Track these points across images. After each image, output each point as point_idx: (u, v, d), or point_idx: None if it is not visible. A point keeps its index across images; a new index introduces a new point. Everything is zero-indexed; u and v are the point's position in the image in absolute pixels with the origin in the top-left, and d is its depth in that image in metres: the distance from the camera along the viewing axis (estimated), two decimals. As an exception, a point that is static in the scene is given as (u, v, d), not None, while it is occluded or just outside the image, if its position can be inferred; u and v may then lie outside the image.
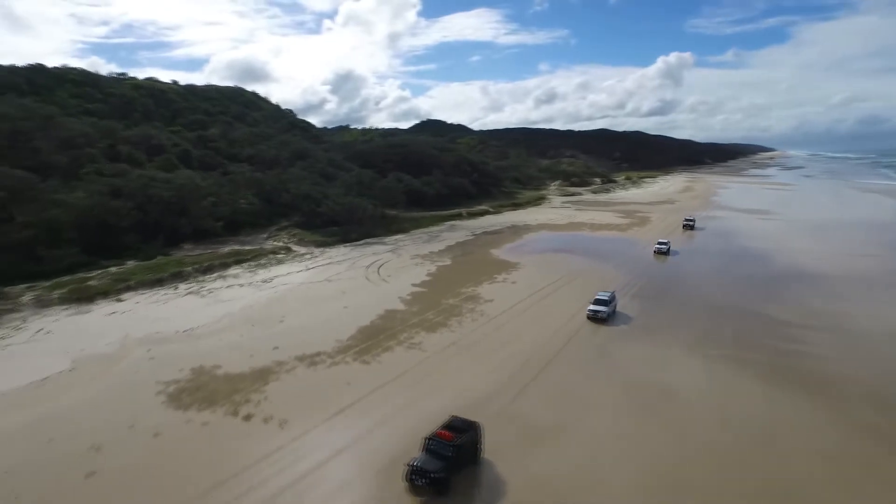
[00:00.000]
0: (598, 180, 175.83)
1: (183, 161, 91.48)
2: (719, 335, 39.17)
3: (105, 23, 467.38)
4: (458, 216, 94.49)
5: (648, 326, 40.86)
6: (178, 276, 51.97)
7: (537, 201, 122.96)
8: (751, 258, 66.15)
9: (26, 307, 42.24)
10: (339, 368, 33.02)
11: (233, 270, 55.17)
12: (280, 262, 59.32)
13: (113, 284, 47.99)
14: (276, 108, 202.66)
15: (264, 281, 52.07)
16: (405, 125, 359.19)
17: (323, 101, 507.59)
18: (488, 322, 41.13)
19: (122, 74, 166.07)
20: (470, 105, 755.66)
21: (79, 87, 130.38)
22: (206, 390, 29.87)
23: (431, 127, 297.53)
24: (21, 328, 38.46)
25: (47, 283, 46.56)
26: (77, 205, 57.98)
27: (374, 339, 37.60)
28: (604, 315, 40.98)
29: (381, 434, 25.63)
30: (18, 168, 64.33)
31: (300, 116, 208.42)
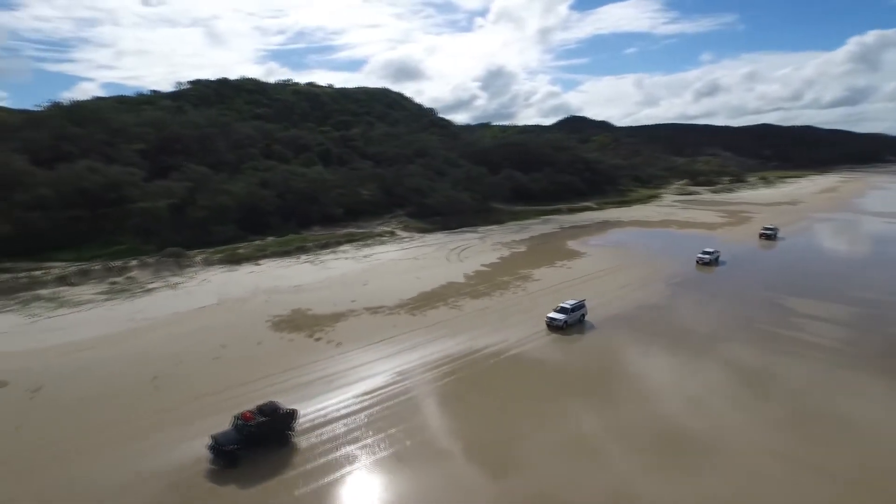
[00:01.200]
0: (726, 179, 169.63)
1: (324, 158, 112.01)
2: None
3: (282, 32, 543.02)
4: (558, 211, 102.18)
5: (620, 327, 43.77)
6: (301, 250, 69.02)
7: (648, 199, 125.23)
8: (808, 278, 59.61)
9: (198, 265, 61.67)
10: (391, 317, 45.40)
11: (343, 247, 70.96)
12: (382, 242, 74.03)
13: (254, 253, 66.31)
14: (419, 107, 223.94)
15: (365, 256, 66.92)
16: (551, 121, 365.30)
17: (473, 98, 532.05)
18: (525, 296, 50.48)
19: (287, 81, 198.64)
20: (622, 100, 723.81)
21: (251, 94, 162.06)
22: (297, 323, 44.22)
23: (573, 124, 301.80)
24: (193, 277, 57.33)
25: (212, 250, 66.18)
26: (237, 193, 78.63)
27: (427, 301, 49.42)
28: (559, 323, 41.45)
29: (399, 356, 37.31)
30: (203, 165, 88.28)
31: (450, 113, 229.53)
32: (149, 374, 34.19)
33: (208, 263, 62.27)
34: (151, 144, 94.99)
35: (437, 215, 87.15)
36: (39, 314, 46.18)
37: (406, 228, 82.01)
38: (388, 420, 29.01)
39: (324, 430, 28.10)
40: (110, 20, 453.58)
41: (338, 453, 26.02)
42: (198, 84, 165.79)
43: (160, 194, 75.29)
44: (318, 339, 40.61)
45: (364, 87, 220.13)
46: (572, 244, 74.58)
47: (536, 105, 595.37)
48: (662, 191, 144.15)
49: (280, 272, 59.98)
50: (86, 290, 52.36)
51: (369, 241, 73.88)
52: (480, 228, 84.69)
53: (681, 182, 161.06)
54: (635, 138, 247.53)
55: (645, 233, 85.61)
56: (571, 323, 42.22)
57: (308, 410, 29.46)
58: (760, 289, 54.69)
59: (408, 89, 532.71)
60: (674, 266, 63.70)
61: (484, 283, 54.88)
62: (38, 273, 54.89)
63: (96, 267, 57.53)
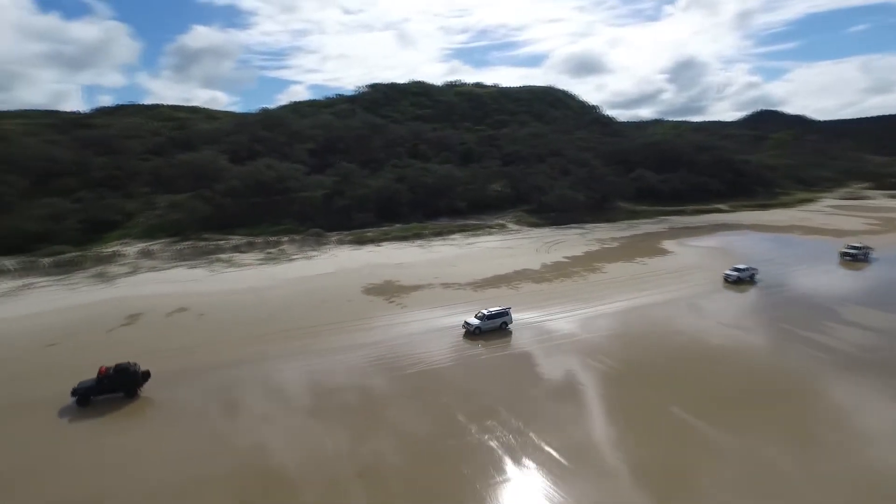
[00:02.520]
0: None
1: (466, 156, 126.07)
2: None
3: (465, 31, 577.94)
4: (681, 212, 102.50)
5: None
6: (417, 236, 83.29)
7: (797, 203, 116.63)
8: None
9: (332, 243, 79.33)
10: (458, 291, 56.53)
11: (454, 236, 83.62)
12: (490, 233, 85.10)
13: (379, 236, 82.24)
14: (582, 104, 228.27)
15: (468, 244, 78.79)
16: (743, 114, 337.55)
17: (658, 92, 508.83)
18: (583, 285, 57.56)
19: (454, 82, 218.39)
20: (840, 88, 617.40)
21: (416, 97, 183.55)
22: (382, 289, 57.70)
23: (761, 119, 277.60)
24: (325, 252, 74.73)
25: (346, 233, 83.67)
26: (375, 187, 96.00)
27: (494, 281, 59.49)
28: (471, 329, 42.82)
29: (448, 318, 48.42)
30: (357, 161, 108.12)
31: (633, 108, 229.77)
32: (267, 312, 50.22)
33: (340, 243, 79.62)
34: (319, 144, 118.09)
35: (552, 211, 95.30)
36: (217, 270, 66.66)
37: (519, 222, 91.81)
38: (390, 356, 40.38)
39: (343, 355, 40.66)
40: (318, 30, 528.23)
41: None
42: (375, 87, 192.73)
43: (316, 186, 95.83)
44: (391, 302, 53.54)
45: (529, 87, 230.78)
46: (668, 244, 77.46)
47: (731, 98, 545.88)
48: (825, 194, 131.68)
49: (392, 252, 74.69)
50: (249, 257, 72.57)
51: (479, 232, 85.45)
52: (588, 225, 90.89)
53: (858, 185, 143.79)
54: (842, 134, 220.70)
55: (758, 237, 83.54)
56: (486, 330, 43.06)
57: (342, 343, 42.25)
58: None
59: (588, 84, 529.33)
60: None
61: (554, 271, 62.99)
62: (222, 243, 76.97)
63: (260, 241, 78.19)
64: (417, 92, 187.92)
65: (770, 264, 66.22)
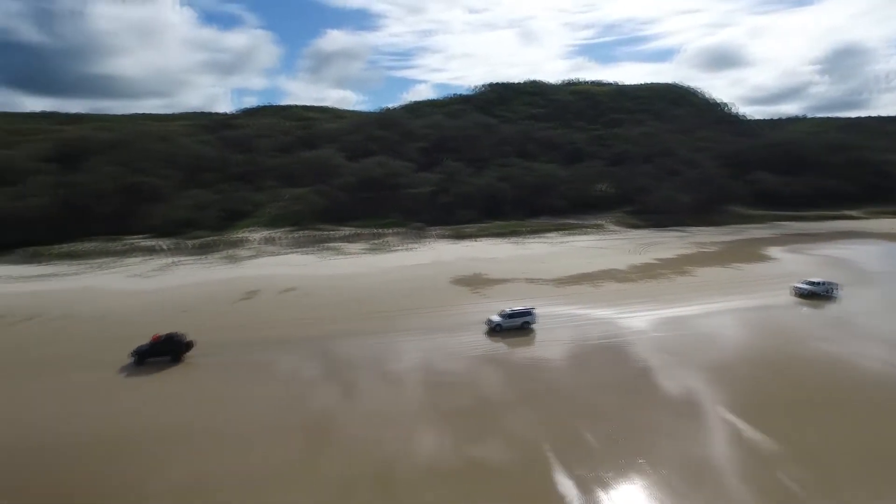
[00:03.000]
0: None
1: (574, 156, 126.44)
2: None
3: (590, 26, 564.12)
4: (801, 218, 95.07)
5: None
6: (514, 233, 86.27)
7: None
8: None
9: (432, 237, 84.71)
10: (540, 286, 58.87)
11: (550, 234, 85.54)
12: (586, 233, 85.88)
13: (477, 232, 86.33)
14: (708, 102, 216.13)
15: (561, 242, 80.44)
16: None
17: (806, 84, 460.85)
18: (668, 286, 57.23)
19: (571, 81, 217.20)
20: None
21: (530, 96, 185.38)
22: (469, 281, 61.58)
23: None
24: (425, 245, 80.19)
25: (447, 227, 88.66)
26: (479, 185, 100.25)
27: (578, 279, 61.03)
28: (492, 325, 43.92)
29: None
30: (466, 160, 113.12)
31: (775, 103, 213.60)
32: (358, 297, 56.10)
33: (440, 237, 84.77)
34: (431, 143, 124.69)
35: (654, 213, 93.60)
36: (325, 257, 74.57)
37: (618, 223, 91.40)
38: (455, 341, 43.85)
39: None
40: (443, 29, 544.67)
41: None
42: (491, 87, 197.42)
43: (423, 183, 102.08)
44: (475, 293, 57.27)
45: (650, 84, 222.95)
46: (773, 250, 73.15)
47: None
48: None
49: (486, 248, 78.40)
50: (356, 247, 79.96)
51: (575, 232, 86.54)
52: (690, 228, 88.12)
53: None
54: None
55: (886, 247, 75.72)
56: (506, 328, 43.95)
57: (420, 325, 46.51)
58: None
59: (724, 79, 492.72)
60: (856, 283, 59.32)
61: (640, 272, 63.01)
62: (333, 233, 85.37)
63: (366, 232, 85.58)
64: (532, 91, 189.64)
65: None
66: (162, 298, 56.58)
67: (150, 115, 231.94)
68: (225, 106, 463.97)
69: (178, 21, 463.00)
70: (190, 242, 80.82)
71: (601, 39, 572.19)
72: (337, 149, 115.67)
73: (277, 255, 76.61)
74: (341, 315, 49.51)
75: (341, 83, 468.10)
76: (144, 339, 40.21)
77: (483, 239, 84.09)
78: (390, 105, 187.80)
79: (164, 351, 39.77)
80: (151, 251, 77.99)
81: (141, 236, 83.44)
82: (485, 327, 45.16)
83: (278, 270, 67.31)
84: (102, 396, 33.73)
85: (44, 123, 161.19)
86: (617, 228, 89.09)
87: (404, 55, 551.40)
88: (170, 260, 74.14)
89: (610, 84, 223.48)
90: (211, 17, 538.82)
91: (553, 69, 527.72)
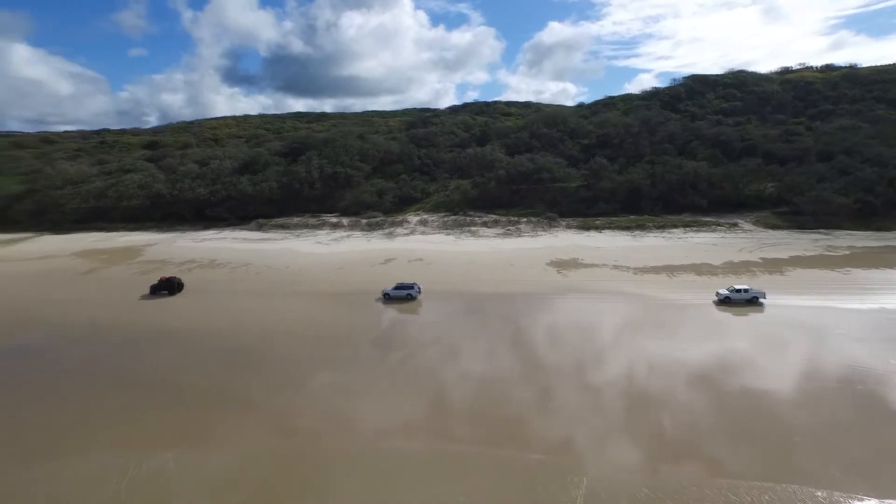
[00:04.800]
0: None
1: (743, 152, 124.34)
2: None
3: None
4: None
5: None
6: (640, 227, 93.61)
7: None
8: None
9: (561, 226, 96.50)
10: (619, 272, 68.20)
11: (673, 230, 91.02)
12: (713, 231, 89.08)
13: (604, 225, 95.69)
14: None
15: (679, 238, 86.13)
16: None
17: None
18: (747, 279, 62.39)
19: (787, 69, 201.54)
20: None
21: (725, 88, 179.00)
22: (563, 264, 73.26)
23: None
24: (550, 233, 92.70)
25: (576, 219, 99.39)
26: (620, 181, 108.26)
27: (660, 270, 68.66)
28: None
29: (594, 295, 62.33)
30: (623, 156, 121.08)
31: None
32: (465, 268, 72.16)
33: (568, 227, 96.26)
34: (592, 140, 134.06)
35: (806, 215, 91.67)
36: (460, 238, 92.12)
37: (757, 223, 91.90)
38: (509, 303, 56.87)
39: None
40: (672, 14, 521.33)
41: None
42: (688, 79, 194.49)
43: (570, 178, 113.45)
44: (559, 273, 69.33)
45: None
46: (897, 258, 69.97)
47: None
48: None
49: (601, 238, 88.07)
50: (490, 231, 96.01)
51: (703, 229, 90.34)
52: (838, 233, 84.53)
53: None
54: None
55: None
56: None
57: (495, 291, 60.59)
58: None
59: None
60: None
61: (730, 269, 67.63)
62: (476, 219, 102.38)
63: (503, 219, 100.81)
64: (728, 84, 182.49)
65: None
66: (328, 259, 79.78)
67: (377, 112, 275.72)
68: (449, 100, 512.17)
69: (412, 24, 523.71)
70: (363, 220, 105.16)
71: (878, 6, 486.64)
72: (503, 145, 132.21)
73: (425, 234, 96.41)
74: (446, 278, 66.39)
75: (560, 75, 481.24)
76: (305, 284, 62.20)
77: (606, 231, 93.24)
78: (611, 94, 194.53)
79: (166, 288, 63.74)
80: (335, 226, 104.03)
81: (332, 215, 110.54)
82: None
83: (417, 245, 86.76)
84: (280, 309, 56.24)
85: (296, 122, 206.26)
86: (751, 228, 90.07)
87: (627, 44, 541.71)
88: (346, 233, 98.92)
89: (841, 68, 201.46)
90: (440, 18, 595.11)
91: (804, 48, 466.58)
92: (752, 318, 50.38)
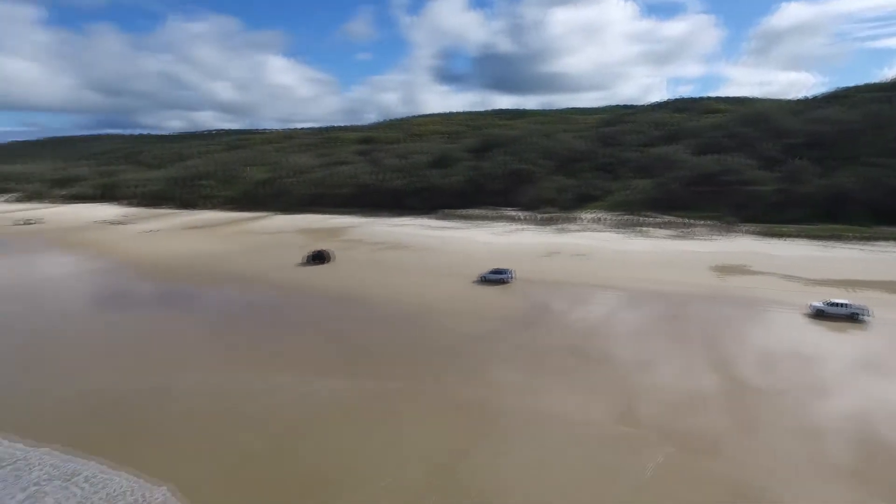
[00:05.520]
0: None
1: None
2: None
3: None
4: None
5: None
6: (835, 237, 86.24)
7: None
8: None
9: (739, 233, 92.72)
10: (787, 283, 65.54)
11: (879, 242, 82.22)
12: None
13: (792, 233, 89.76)
14: None
15: (882, 251, 78.21)
16: None
17: None
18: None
19: None
20: None
21: None
22: (727, 270, 72.05)
23: None
24: (725, 238, 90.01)
25: (759, 226, 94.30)
26: (821, 185, 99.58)
27: (839, 283, 64.43)
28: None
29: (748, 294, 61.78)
30: (834, 158, 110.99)
31: None
32: (626, 265, 74.96)
33: (748, 232, 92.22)
34: (799, 140, 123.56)
35: None
36: (628, 237, 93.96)
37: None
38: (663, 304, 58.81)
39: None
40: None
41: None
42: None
43: (761, 181, 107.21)
44: (718, 277, 68.82)
45: None
46: None
47: None
48: None
49: (780, 246, 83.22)
50: (661, 232, 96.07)
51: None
52: None
53: None
54: None
55: None
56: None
57: (652, 289, 63.08)
58: None
59: None
60: None
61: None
62: (649, 220, 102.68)
63: (679, 221, 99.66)
64: None
65: None
66: (497, 248, 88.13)
67: (578, 109, 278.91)
68: (658, 95, 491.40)
69: (620, 17, 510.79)
70: (539, 215, 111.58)
71: None
72: (693, 145, 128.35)
73: (596, 231, 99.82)
74: (601, 273, 70.74)
75: (794, 63, 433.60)
76: (470, 268, 71.30)
77: (791, 239, 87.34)
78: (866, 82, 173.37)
79: (319, 258, 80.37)
80: (512, 219, 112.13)
81: (511, 209, 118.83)
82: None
83: (583, 241, 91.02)
84: (443, 287, 66.32)
85: (496, 119, 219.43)
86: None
87: (888, 19, 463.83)
88: (520, 226, 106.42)
89: None
90: (652, 8, 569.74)
91: None
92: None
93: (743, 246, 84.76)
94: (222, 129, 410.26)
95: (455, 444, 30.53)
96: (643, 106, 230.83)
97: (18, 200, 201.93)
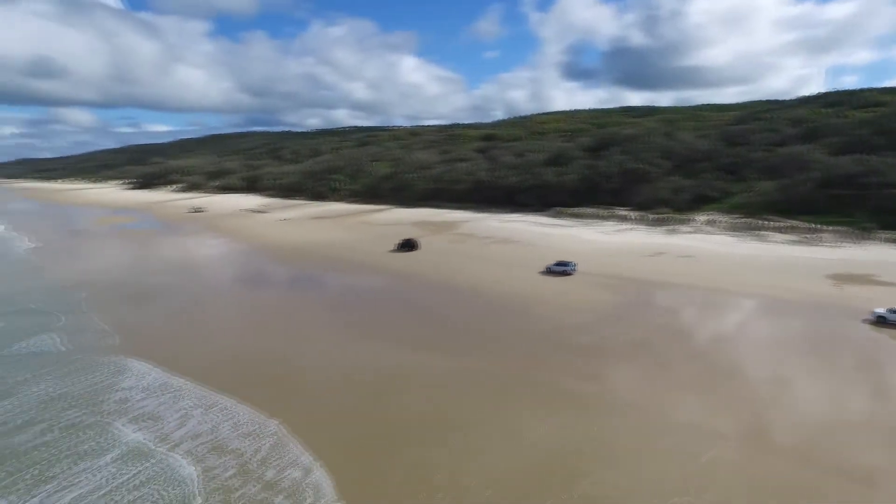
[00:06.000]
0: None
1: None
2: None
3: None
4: None
5: None
6: None
7: None
8: None
9: (876, 240, 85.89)
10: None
11: None
12: None
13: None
14: None
15: None
16: None
17: None
18: None
19: None
20: None
21: None
22: (848, 279, 67.99)
23: None
24: (856, 246, 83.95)
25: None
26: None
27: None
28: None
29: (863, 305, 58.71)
30: None
31: None
32: (733, 270, 73.21)
33: (886, 240, 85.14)
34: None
35: None
36: (741, 240, 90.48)
37: None
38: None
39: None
40: None
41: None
42: None
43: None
44: (834, 285, 65.21)
45: None
46: None
47: None
48: None
49: None
50: (781, 237, 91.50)
51: None
52: None
53: None
54: None
55: None
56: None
57: (729, 289, 61.81)
58: None
59: None
60: None
61: None
62: (770, 223, 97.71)
63: (803, 227, 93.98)
64: None
65: None
66: (602, 247, 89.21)
67: (714, 105, 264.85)
68: (814, 88, 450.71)
69: (771, 1, 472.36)
70: (651, 216, 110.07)
71: None
72: (833, 143, 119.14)
73: (709, 234, 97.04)
74: (703, 276, 70.26)
75: None
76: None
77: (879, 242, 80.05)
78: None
79: (408, 246, 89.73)
80: (623, 219, 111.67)
81: (623, 208, 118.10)
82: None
83: (692, 243, 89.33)
84: (537, 281, 69.68)
85: (622, 117, 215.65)
86: None
87: None
88: (631, 226, 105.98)
89: None
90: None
91: None
92: None
93: (875, 255, 78.83)
94: (355, 127, 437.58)
95: (567, 442, 31.26)
96: (789, 101, 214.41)
97: (182, 190, 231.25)
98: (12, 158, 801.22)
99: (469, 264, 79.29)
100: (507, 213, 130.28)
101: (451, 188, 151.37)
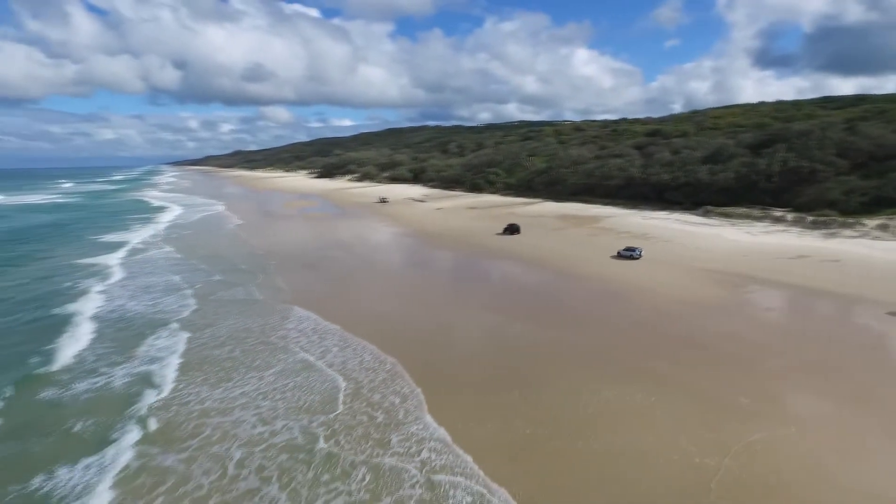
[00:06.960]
0: None
1: None
2: None
3: None
4: None
5: None
6: None
7: None
8: None
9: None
10: None
11: None
12: None
13: None
14: None
15: None
16: None
17: None
18: None
19: None
20: None
21: None
22: None
23: None
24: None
25: None
26: None
27: None
28: None
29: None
30: None
31: None
32: (876, 277, 68.25)
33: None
34: None
35: None
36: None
37: None
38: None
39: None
40: None
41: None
42: None
43: None
44: None
45: None
46: None
47: None
48: None
49: None
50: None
51: None
52: None
53: None
54: None
55: None
56: None
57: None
58: None
59: None
60: None
61: None
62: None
63: None
64: None
65: None
66: (741, 247, 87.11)
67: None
68: None
69: None
70: (809, 218, 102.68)
71: None
72: None
73: (876, 240, 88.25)
74: (845, 283, 67.03)
75: None
76: (700, 262, 74.71)
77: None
78: None
79: (512, 231, 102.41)
80: (777, 220, 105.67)
81: (780, 209, 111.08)
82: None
83: (847, 248, 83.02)
84: (661, 275, 72.29)
85: (816, 109, 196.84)
86: None
87: None
88: (782, 228, 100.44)
89: None
90: None
91: None
92: None
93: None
94: (523, 121, 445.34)
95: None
96: None
97: (357, 179, 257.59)
98: (228, 151, 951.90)
99: (572, 249, 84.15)
100: (654, 210, 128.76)
101: (602, 184, 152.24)
